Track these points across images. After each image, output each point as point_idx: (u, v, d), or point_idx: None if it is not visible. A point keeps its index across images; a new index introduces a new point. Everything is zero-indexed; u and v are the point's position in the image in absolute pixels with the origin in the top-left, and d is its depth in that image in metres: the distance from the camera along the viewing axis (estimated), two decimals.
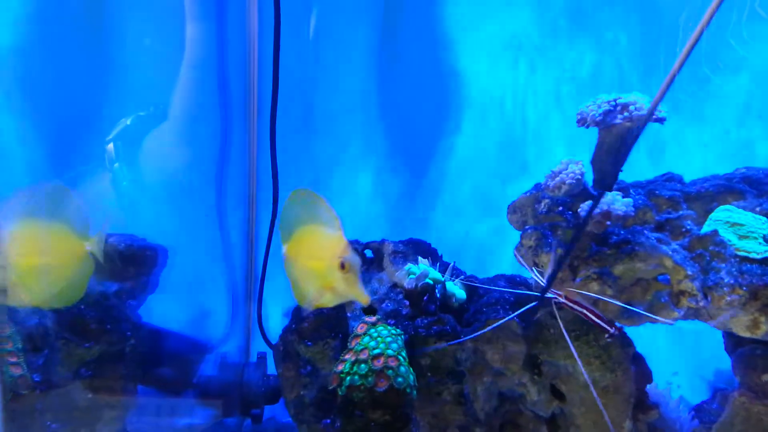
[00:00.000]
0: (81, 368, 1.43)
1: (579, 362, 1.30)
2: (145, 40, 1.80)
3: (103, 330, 1.45)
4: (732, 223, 1.41)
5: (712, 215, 1.45)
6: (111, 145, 1.68)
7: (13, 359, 1.34)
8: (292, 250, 1.14)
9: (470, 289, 1.55)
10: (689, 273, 1.34)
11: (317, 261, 1.09)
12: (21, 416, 1.34)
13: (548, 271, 1.35)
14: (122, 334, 1.50)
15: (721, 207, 1.46)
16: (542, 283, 1.36)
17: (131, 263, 1.61)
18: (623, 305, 1.32)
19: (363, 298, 1.08)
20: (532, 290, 1.47)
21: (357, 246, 1.71)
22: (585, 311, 1.30)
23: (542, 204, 1.52)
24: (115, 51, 1.77)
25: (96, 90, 1.75)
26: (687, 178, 1.60)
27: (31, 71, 1.64)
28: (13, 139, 1.64)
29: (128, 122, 1.72)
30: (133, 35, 1.78)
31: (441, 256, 1.69)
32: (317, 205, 1.09)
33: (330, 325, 1.45)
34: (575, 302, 1.31)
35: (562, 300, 1.32)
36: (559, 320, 1.34)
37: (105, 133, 1.69)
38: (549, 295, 1.35)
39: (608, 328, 1.27)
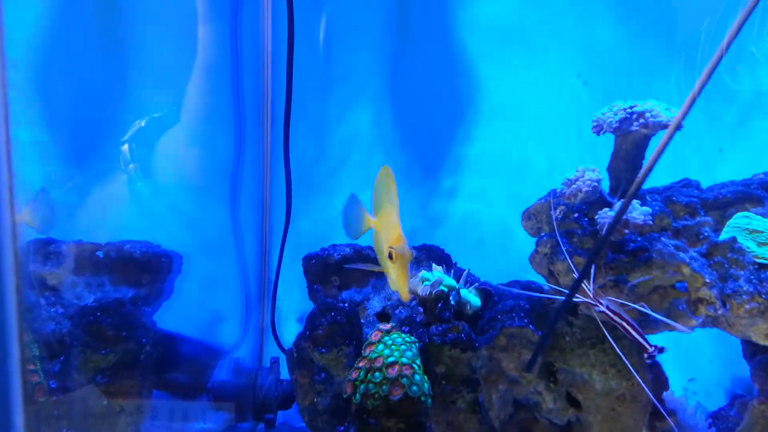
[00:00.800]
0: (97, 375, 1.44)
1: (628, 363, 1.27)
2: (159, 42, 1.80)
3: (119, 337, 1.46)
4: (751, 230, 1.39)
5: (731, 222, 1.43)
6: (126, 146, 1.69)
7: (30, 366, 1.35)
8: (377, 225, 1.16)
9: (484, 296, 1.54)
10: (707, 280, 1.32)
11: (383, 243, 1.10)
12: (37, 423, 1.35)
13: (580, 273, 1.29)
14: (138, 341, 1.51)
15: (740, 214, 1.43)
16: (589, 291, 1.31)
17: (146, 270, 1.63)
18: (658, 316, 1.29)
19: (403, 293, 1.08)
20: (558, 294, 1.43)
21: (369, 251, 1.70)
22: (626, 325, 1.24)
23: (558, 211, 1.51)
24: (129, 53, 1.78)
25: (110, 92, 1.76)
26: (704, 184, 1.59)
27: (46, 73, 1.65)
28: (28, 140, 1.64)
29: (142, 124, 1.73)
30: (147, 37, 1.79)
31: (455, 264, 1.68)
32: (390, 188, 1.11)
33: (344, 333, 1.45)
34: (617, 314, 1.26)
35: (604, 310, 1.27)
36: (601, 324, 1.30)
37: (119, 135, 1.69)
38: (589, 301, 1.30)
39: (648, 346, 1.21)
